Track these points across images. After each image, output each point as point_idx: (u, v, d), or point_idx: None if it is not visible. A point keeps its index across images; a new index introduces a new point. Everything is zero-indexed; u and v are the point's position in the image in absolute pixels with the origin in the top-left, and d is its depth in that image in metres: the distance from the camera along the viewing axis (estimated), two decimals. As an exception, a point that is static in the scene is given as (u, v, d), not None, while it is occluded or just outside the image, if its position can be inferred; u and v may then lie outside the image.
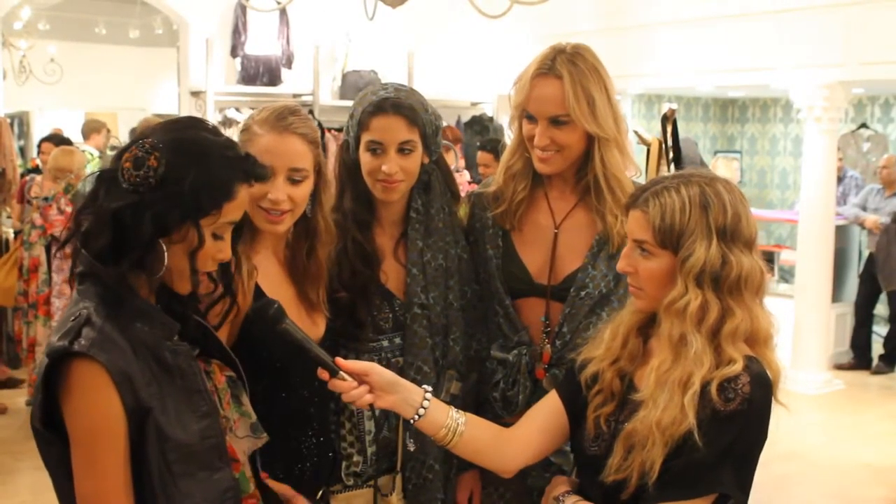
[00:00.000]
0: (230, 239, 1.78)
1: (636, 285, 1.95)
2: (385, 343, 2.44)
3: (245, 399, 1.91)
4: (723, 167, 8.84)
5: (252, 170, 1.75)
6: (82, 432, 1.60)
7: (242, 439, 1.88)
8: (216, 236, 1.73)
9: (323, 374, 1.94)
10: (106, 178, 1.69)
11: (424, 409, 2.01)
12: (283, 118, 2.19)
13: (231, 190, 1.71)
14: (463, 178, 6.79)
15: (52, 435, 1.64)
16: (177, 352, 1.71)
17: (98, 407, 1.58)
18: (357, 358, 2.18)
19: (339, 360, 1.95)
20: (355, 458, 2.41)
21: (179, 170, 1.65)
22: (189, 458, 1.66)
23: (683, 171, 1.98)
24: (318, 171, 2.24)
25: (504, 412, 2.45)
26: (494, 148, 7.24)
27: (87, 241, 1.68)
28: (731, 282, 1.84)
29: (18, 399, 7.00)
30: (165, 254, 1.67)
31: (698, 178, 1.90)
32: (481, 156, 7.35)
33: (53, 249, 6.13)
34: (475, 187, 6.01)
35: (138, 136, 1.70)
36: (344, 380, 1.94)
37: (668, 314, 1.87)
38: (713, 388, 1.78)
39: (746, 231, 1.88)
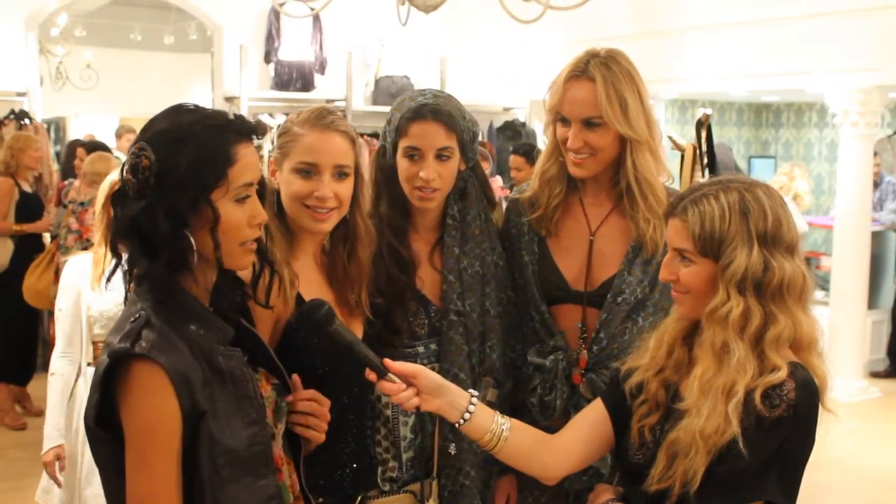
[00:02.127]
0: (258, 200, 1.78)
1: (680, 291, 1.94)
2: (420, 349, 2.44)
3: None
4: (799, 176, 8.64)
5: (244, 127, 1.75)
6: (138, 431, 1.61)
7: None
8: (240, 202, 1.73)
9: (371, 375, 1.94)
10: (117, 198, 1.72)
11: (470, 413, 2.01)
12: (324, 117, 2.21)
13: (229, 154, 1.70)
14: (496, 184, 6.79)
15: (105, 433, 1.66)
16: (230, 356, 1.73)
17: (155, 407, 1.60)
18: None
19: (388, 361, 1.95)
20: (391, 464, 2.42)
21: (171, 158, 1.66)
22: (236, 463, 1.67)
23: (721, 177, 1.97)
24: (357, 172, 2.25)
25: (542, 417, 2.45)
26: (527, 151, 7.23)
27: (133, 262, 1.71)
28: (773, 288, 1.82)
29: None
30: (193, 243, 1.68)
31: (737, 184, 1.89)
32: (514, 159, 7.34)
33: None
34: (508, 192, 6.02)
35: (130, 147, 1.72)
36: (392, 382, 1.94)
37: (710, 322, 1.86)
38: (757, 396, 1.77)
39: (788, 236, 1.86)
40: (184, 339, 1.66)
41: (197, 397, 1.63)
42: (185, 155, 1.66)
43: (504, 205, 2.72)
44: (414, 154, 2.38)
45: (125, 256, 1.72)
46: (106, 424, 1.65)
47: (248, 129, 1.76)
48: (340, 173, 2.19)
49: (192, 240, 1.68)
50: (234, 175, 1.70)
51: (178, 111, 1.75)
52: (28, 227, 6.71)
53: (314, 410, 1.98)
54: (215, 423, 1.65)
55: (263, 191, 1.82)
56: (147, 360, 1.60)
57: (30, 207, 6.77)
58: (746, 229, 1.83)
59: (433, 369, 2.39)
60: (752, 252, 1.82)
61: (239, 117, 1.77)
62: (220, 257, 1.72)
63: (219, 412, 1.66)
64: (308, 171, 2.17)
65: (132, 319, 1.65)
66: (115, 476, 1.67)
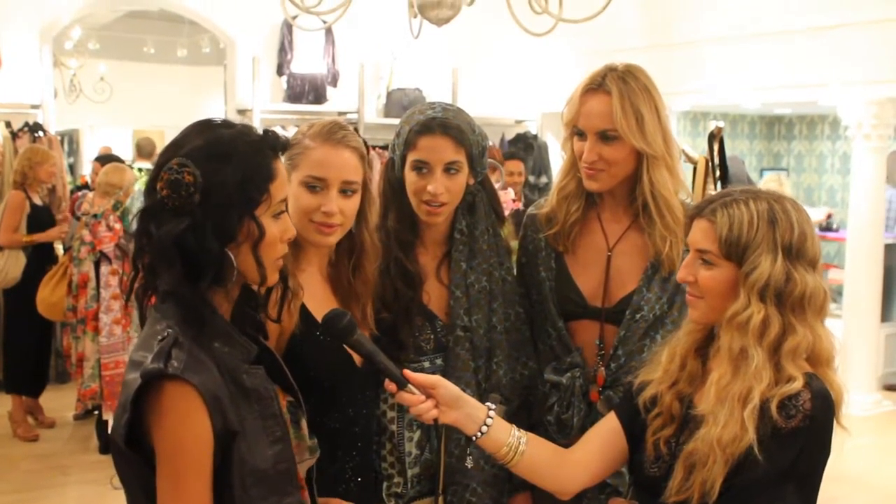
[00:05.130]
0: (287, 215, 1.78)
1: (695, 294, 1.94)
2: (426, 364, 2.42)
3: (304, 424, 1.90)
4: (786, 183, 8.67)
5: (277, 143, 1.75)
6: (171, 453, 1.59)
7: (302, 463, 1.87)
8: (275, 217, 1.73)
9: (390, 386, 1.94)
10: (150, 213, 1.67)
11: (487, 426, 2.00)
12: (335, 132, 2.21)
13: (270, 170, 1.70)
14: (507, 197, 6.79)
15: (133, 454, 1.63)
16: (254, 374, 1.71)
17: (188, 428, 1.58)
18: None
19: (407, 372, 1.95)
20: (396, 479, 2.41)
21: (216, 174, 1.64)
22: (263, 483, 1.66)
23: (750, 186, 2.00)
24: (365, 187, 2.26)
25: (559, 435, 2.42)
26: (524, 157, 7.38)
27: (155, 277, 1.68)
28: (794, 299, 1.84)
29: (66, 413, 7.08)
30: (234, 259, 1.67)
31: (766, 194, 1.92)
32: (515, 164, 7.41)
33: (101, 266, 6.20)
34: (519, 205, 6.03)
35: (160, 162, 1.68)
36: (412, 393, 1.94)
37: (729, 327, 1.86)
38: (773, 406, 1.77)
39: (811, 251, 1.88)
40: (211, 358, 1.64)
41: (229, 417, 1.61)
42: (233, 171, 1.64)
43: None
44: (422, 168, 2.37)
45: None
46: (135, 445, 1.62)
47: (280, 145, 1.76)
48: (347, 190, 2.19)
49: (232, 258, 1.67)
50: (274, 190, 1.71)
51: (210, 126, 1.72)
52: (38, 237, 6.72)
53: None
54: (244, 442, 1.63)
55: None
56: (180, 381, 1.57)
57: (40, 220, 6.79)
58: (773, 238, 1.85)
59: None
60: (776, 261, 1.84)
61: (270, 132, 1.77)
62: (264, 274, 1.71)
63: (246, 431, 1.64)
64: (315, 185, 2.17)
65: (160, 338, 1.61)
66: (141, 495, 1.65)
